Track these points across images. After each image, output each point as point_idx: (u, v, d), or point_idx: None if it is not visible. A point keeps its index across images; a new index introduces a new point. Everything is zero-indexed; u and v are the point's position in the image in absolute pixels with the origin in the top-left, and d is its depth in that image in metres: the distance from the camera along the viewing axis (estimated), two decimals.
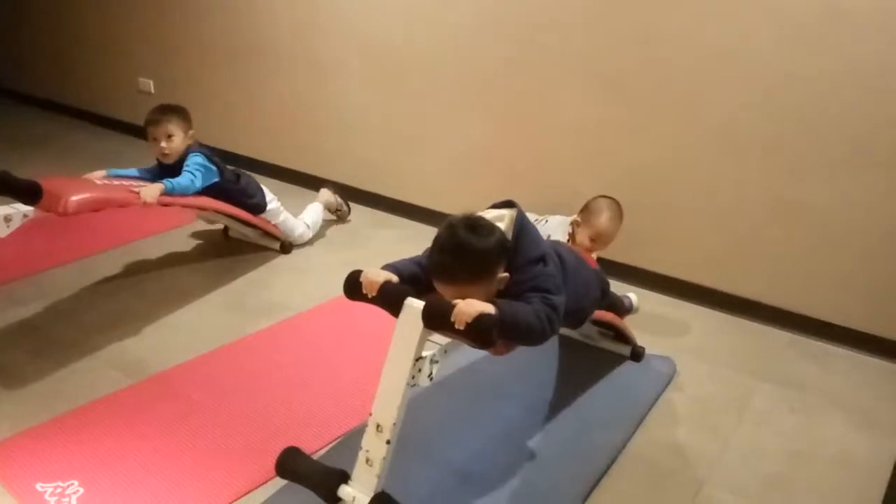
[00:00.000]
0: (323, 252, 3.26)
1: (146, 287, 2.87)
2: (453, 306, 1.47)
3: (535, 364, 2.42)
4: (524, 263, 1.64)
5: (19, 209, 2.26)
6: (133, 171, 2.85)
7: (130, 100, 4.58)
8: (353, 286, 1.61)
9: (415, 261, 1.72)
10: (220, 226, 3.31)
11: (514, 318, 1.51)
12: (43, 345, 2.44)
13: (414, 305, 1.52)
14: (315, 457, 1.92)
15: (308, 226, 3.29)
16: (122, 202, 2.48)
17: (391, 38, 3.44)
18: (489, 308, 1.46)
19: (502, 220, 1.67)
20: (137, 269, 3.01)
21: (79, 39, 4.72)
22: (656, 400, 2.30)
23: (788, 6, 2.51)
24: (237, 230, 3.23)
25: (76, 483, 1.86)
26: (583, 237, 2.63)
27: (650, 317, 2.79)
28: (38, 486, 1.85)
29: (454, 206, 2.93)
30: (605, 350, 2.52)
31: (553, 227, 2.71)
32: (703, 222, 2.89)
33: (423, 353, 1.54)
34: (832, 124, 2.55)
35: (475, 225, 1.58)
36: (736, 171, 2.77)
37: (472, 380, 2.32)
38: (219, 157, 2.90)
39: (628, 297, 2.43)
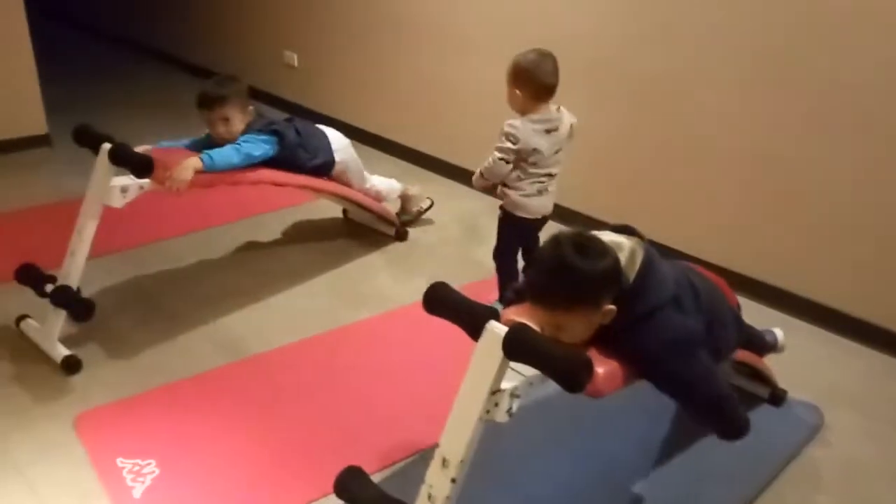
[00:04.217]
0: (439, 244, 3.09)
1: (257, 264, 2.86)
2: (540, 335, 1.25)
3: (650, 396, 2.10)
4: (648, 310, 1.40)
5: (136, 181, 2.27)
6: (185, 142, 2.53)
7: (276, 72, 4.65)
8: (433, 298, 1.43)
9: None
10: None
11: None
12: (150, 313, 2.48)
13: (495, 331, 1.31)
14: (385, 473, 1.80)
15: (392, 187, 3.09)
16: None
17: (529, 16, 3.19)
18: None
19: (621, 249, 1.42)
20: (253, 245, 3.01)
21: (230, 9, 4.87)
22: (794, 456, 1.94)
23: None
24: (355, 213, 3.15)
25: (153, 463, 1.85)
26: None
27: (796, 352, 2.38)
28: (119, 462, 1.85)
29: (590, 205, 2.62)
30: (737, 388, 2.16)
31: None
32: (848, 235, 2.42)
33: (503, 386, 1.33)
34: None
35: (585, 244, 1.35)
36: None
37: (571, 404, 2.03)
38: (283, 123, 2.55)
39: (772, 332, 2.06)
